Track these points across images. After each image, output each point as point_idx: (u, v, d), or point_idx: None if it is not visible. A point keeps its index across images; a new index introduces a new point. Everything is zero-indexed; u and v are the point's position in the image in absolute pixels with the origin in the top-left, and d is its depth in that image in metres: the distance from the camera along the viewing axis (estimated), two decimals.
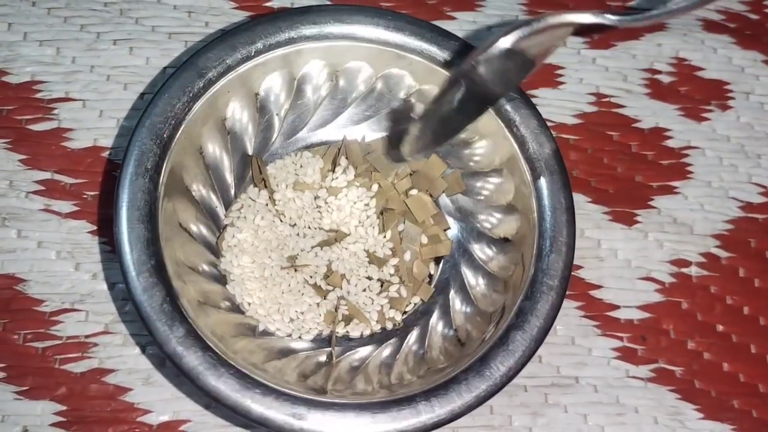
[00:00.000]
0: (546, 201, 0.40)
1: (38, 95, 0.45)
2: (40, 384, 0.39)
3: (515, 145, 0.41)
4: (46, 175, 0.43)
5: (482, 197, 0.43)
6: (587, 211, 0.46)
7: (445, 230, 0.43)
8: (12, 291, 0.41)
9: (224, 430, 0.40)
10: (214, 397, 0.34)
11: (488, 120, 0.41)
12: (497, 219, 0.42)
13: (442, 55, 0.41)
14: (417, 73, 0.42)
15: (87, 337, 0.41)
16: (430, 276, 0.43)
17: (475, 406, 0.36)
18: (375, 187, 0.43)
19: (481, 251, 0.42)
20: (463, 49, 0.41)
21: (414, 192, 0.43)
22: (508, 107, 0.41)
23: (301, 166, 0.43)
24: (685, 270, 0.46)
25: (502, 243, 0.42)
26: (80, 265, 0.42)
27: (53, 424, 0.39)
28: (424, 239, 0.42)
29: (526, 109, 0.41)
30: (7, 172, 0.43)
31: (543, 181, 0.40)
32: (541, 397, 0.42)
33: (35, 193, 0.43)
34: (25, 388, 0.39)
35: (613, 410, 0.42)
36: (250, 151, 0.43)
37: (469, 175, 0.43)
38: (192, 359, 0.34)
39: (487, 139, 0.42)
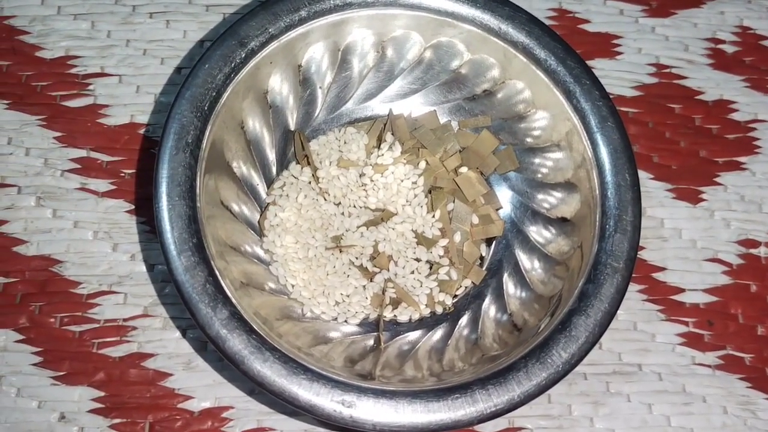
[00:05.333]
0: (609, 178, 0.37)
1: (73, 70, 0.44)
2: (78, 369, 0.38)
3: (575, 119, 0.38)
4: (81, 152, 0.42)
5: (540, 175, 0.40)
6: (649, 188, 0.44)
7: (497, 210, 0.41)
8: (48, 273, 0.40)
9: (268, 417, 0.38)
10: (260, 382, 0.32)
11: (546, 91, 0.39)
12: (557, 198, 0.40)
13: (496, 22, 0.39)
14: (469, 42, 0.40)
15: (125, 320, 0.39)
16: (482, 258, 0.41)
17: (535, 396, 0.33)
18: (422, 164, 0.41)
19: (537, 232, 0.40)
20: (517, 16, 0.39)
21: (464, 170, 0.41)
22: (567, 78, 0.38)
23: (345, 143, 0.42)
24: (753, 251, 0.43)
25: (560, 223, 0.39)
26: (118, 246, 0.40)
27: (91, 411, 0.37)
28: (475, 219, 0.40)
29: (587, 79, 0.38)
30: (42, 149, 0.42)
31: (606, 157, 0.37)
32: (603, 385, 0.40)
33: (71, 171, 0.42)
34: (62, 374, 0.38)
35: (679, 399, 0.40)
36: (292, 127, 0.41)
37: (524, 151, 0.41)
38: (236, 343, 0.32)
39: (544, 111, 0.40)
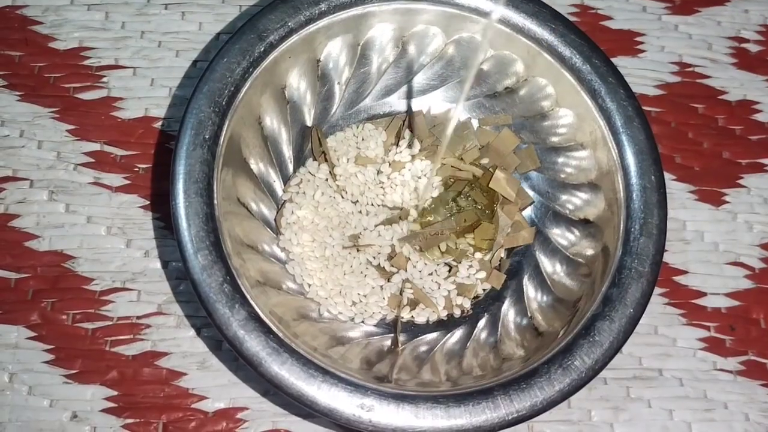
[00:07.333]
0: (634, 180, 0.36)
1: (86, 62, 0.43)
2: (90, 367, 0.37)
3: (600, 118, 0.37)
4: (95, 146, 0.41)
5: (563, 175, 0.40)
6: (672, 189, 0.43)
7: (529, 204, 0.40)
8: (60, 269, 0.39)
9: (283, 419, 0.37)
10: (277, 384, 0.32)
11: (570, 90, 0.38)
12: (581, 200, 0.39)
13: (519, 18, 0.38)
14: (492, 38, 0.39)
15: (139, 318, 0.38)
16: (500, 260, 0.40)
17: (557, 402, 0.33)
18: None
19: (560, 235, 0.39)
20: (541, 13, 0.38)
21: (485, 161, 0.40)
22: (593, 76, 0.37)
23: (363, 139, 0.41)
24: None
25: (583, 225, 0.38)
26: (132, 242, 0.40)
27: (104, 410, 0.37)
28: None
29: (613, 78, 0.37)
30: (55, 143, 0.41)
31: (631, 158, 0.36)
32: (623, 390, 0.39)
33: (84, 165, 0.41)
34: (74, 372, 0.37)
35: (700, 405, 0.39)
36: (309, 123, 0.40)
37: (546, 150, 0.40)
38: (254, 344, 0.32)
39: (568, 110, 0.39)
